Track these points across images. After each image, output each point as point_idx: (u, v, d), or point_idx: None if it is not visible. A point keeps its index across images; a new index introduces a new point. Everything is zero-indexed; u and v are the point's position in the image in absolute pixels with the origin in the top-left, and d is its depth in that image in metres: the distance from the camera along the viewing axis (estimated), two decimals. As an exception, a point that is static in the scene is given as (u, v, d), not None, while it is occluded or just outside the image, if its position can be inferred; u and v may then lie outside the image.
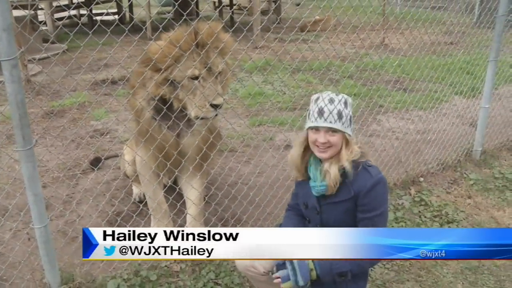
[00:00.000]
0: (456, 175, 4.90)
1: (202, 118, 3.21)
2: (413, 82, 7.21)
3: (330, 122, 2.36)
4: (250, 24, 9.10)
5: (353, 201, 2.43)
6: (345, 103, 2.40)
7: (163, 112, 3.22)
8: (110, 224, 3.83)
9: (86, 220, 3.91)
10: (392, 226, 3.99)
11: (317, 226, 2.59)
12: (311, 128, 2.43)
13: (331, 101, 2.38)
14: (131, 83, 3.49)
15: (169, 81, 3.15)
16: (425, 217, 4.17)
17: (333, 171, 2.40)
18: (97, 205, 4.11)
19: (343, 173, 2.42)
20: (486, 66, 4.99)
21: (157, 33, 3.16)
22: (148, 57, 3.08)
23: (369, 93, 6.34)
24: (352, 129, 2.43)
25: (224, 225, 3.86)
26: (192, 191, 3.63)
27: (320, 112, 2.37)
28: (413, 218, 4.12)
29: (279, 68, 7.84)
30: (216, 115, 3.23)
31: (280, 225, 2.87)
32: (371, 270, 3.49)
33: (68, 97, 7.10)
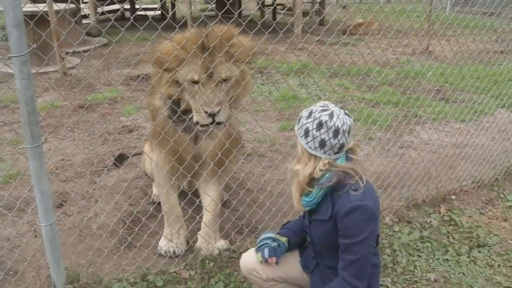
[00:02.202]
0: (492, 195, 4.64)
1: (201, 125, 3.13)
2: (455, 92, 6.93)
3: (299, 134, 2.38)
4: (289, 25, 9.01)
5: (333, 222, 2.34)
6: (320, 124, 2.30)
7: (178, 113, 3.17)
8: (123, 224, 3.82)
9: (100, 218, 3.90)
10: (417, 246, 3.81)
11: (309, 239, 2.60)
12: None
13: (308, 111, 2.37)
14: (150, 81, 3.47)
15: (178, 82, 3.11)
16: (453, 238, 3.95)
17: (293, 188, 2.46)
18: (114, 204, 4.11)
19: (328, 192, 2.36)
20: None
21: (173, 33, 3.12)
22: (157, 56, 3.05)
23: (408, 102, 6.14)
24: (317, 150, 2.32)
25: (238, 233, 3.78)
26: (206, 197, 3.57)
27: (299, 119, 2.43)
28: (440, 239, 3.92)
29: (316, 71, 7.70)
30: (214, 122, 3.10)
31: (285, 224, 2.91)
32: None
33: (101, 92, 7.19)
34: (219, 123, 3.13)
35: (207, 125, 3.11)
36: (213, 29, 3.05)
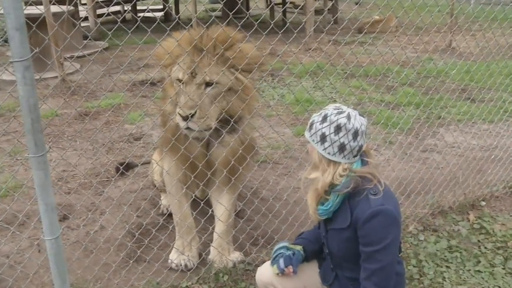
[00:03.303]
0: (527, 200, 4.62)
1: (184, 129, 3.16)
2: (482, 91, 6.89)
3: (313, 140, 2.39)
4: (303, 24, 9.05)
5: (352, 230, 2.36)
6: (337, 127, 2.33)
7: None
8: (131, 237, 3.86)
9: (106, 231, 3.95)
10: (445, 256, 3.80)
11: (326, 249, 2.61)
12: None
13: (321, 115, 2.39)
14: (161, 86, 3.55)
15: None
16: (485, 248, 3.92)
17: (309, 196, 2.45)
18: (121, 216, 4.14)
19: (345, 199, 2.39)
20: None
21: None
22: (156, 52, 3.17)
23: (430, 103, 6.12)
24: (337, 155, 2.35)
25: (253, 245, 3.80)
26: (219, 206, 3.60)
27: (310, 125, 2.44)
28: (470, 248, 3.90)
29: (331, 73, 7.73)
30: (188, 128, 3.11)
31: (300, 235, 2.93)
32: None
33: (104, 98, 7.26)
34: (192, 130, 3.13)
35: (187, 129, 3.13)
36: (210, 30, 3.13)
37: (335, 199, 2.38)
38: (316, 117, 2.40)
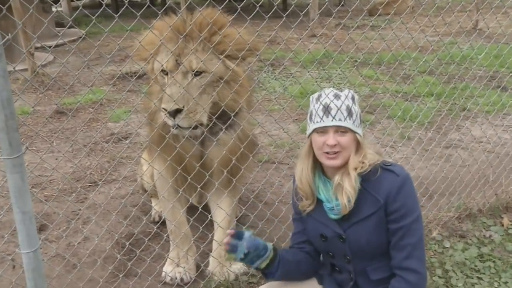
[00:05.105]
0: None
1: (172, 127, 3.14)
2: (515, 78, 6.91)
3: (340, 119, 2.36)
4: (308, 7, 9.05)
5: (383, 210, 2.39)
6: (353, 98, 2.41)
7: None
8: (120, 248, 3.86)
9: (91, 243, 3.95)
10: (475, 265, 3.79)
11: (345, 258, 2.54)
12: (316, 130, 2.41)
13: (337, 96, 2.39)
14: (149, 80, 3.55)
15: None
16: (524, 257, 3.93)
17: (347, 184, 2.37)
18: (108, 225, 4.14)
19: (363, 181, 2.40)
20: None
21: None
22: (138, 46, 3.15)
23: (454, 93, 6.13)
24: (362, 129, 2.42)
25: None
26: (219, 211, 3.61)
27: (326, 110, 2.37)
28: (505, 257, 3.88)
29: (340, 61, 7.74)
30: (177, 127, 3.10)
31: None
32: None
33: (83, 94, 7.26)
34: (183, 128, 3.12)
35: (177, 128, 3.12)
36: (194, 14, 3.15)
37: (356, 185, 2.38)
38: (326, 99, 2.38)
